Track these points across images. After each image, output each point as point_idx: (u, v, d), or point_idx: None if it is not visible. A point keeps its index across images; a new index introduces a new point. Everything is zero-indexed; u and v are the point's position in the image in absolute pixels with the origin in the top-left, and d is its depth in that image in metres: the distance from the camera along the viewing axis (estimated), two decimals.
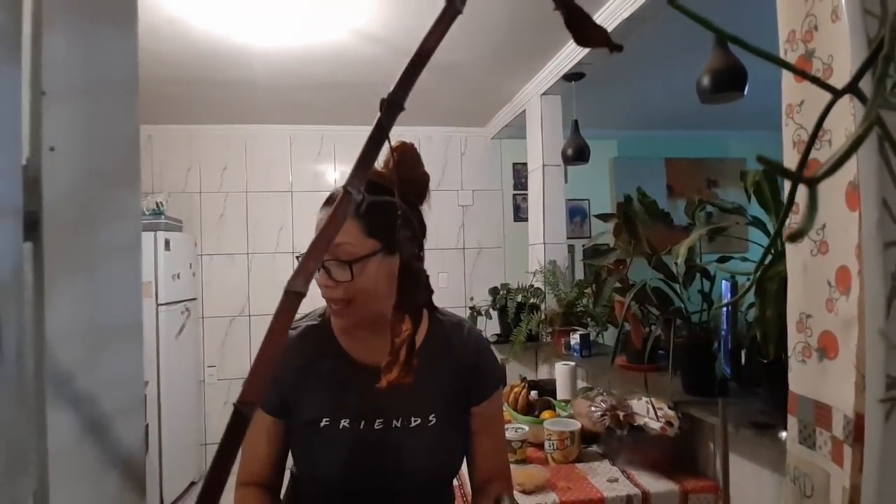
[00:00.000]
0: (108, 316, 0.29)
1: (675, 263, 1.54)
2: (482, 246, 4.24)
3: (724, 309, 1.18)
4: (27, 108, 0.27)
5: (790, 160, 0.83)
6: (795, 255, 0.78)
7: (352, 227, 0.86)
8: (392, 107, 0.27)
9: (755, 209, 1.47)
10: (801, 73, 0.30)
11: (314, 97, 3.33)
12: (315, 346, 0.96)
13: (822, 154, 0.72)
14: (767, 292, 1.27)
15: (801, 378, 0.81)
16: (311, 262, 0.26)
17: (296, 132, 4.00)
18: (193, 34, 2.42)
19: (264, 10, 2.23)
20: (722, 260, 1.65)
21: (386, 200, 0.77)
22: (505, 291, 3.20)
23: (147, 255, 3.19)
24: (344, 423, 0.91)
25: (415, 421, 0.93)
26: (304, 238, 4.00)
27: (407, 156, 0.88)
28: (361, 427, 0.91)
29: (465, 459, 1.03)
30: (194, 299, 3.71)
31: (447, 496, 1.05)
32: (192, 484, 3.61)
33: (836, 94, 0.28)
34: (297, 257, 0.78)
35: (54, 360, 0.28)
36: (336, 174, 4.05)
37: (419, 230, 0.93)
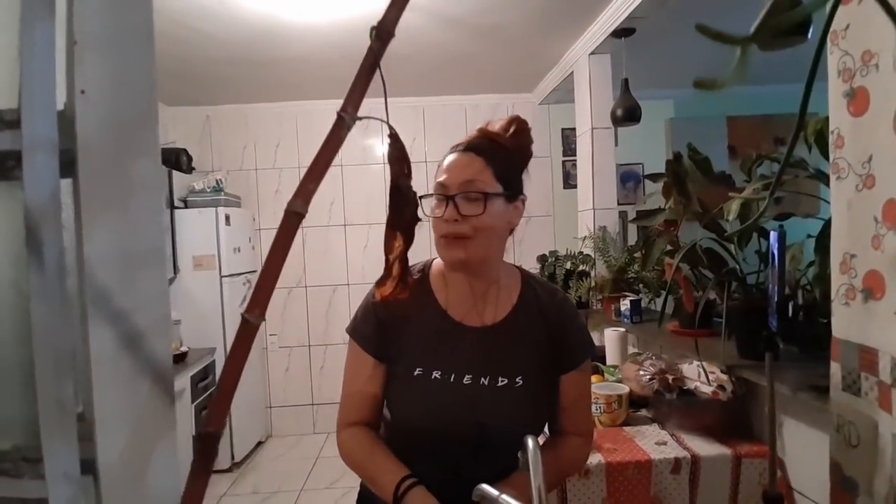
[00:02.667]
0: (136, 242, 0.32)
1: (727, 221, 1.47)
2: (531, 214, 4.18)
3: (771, 260, 1.12)
4: (62, 57, 0.31)
5: (836, 89, 0.76)
6: (840, 192, 0.72)
7: (485, 168, 0.92)
8: (382, 34, 0.28)
9: (824, 164, 1.37)
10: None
11: (356, 71, 3.37)
12: (416, 299, 0.99)
13: (870, 79, 0.66)
14: (828, 249, 1.19)
15: (845, 322, 0.76)
16: (311, 185, 0.28)
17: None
18: (242, 13, 2.49)
19: None
20: (781, 217, 1.56)
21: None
22: (553, 259, 3.17)
23: (209, 230, 3.38)
24: (435, 374, 0.96)
25: (502, 381, 0.96)
26: (355, 211, 4.11)
27: (524, 128, 1.00)
28: (451, 380, 0.96)
29: (546, 422, 1.06)
30: (254, 271, 3.91)
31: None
32: (259, 444, 3.87)
33: None
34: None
35: (93, 280, 0.32)
36: (384, 147, 4.10)
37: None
